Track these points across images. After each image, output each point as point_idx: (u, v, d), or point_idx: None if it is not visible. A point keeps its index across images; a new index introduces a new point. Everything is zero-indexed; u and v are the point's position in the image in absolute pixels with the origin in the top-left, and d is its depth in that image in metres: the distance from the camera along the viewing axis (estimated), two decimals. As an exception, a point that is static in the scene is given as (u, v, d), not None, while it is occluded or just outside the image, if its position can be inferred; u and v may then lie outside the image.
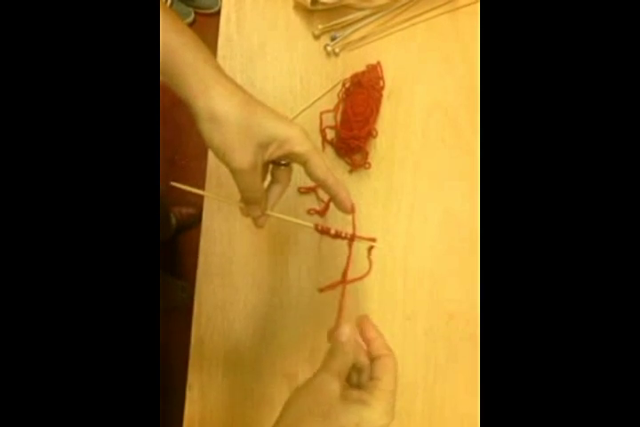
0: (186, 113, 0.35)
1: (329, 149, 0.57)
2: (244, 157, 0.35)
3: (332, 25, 0.60)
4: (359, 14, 0.62)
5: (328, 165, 0.38)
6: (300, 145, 0.36)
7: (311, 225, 0.41)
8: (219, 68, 0.36)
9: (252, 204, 0.39)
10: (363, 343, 0.37)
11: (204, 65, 0.35)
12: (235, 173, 0.36)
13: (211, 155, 0.54)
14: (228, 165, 0.35)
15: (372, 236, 0.56)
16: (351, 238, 0.41)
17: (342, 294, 0.40)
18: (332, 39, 0.60)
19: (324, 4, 0.58)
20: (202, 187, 0.53)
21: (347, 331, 0.37)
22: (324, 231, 0.40)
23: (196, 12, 1.49)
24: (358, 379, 0.37)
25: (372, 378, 0.35)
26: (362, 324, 0.38)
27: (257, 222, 0.40)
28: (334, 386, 0.34)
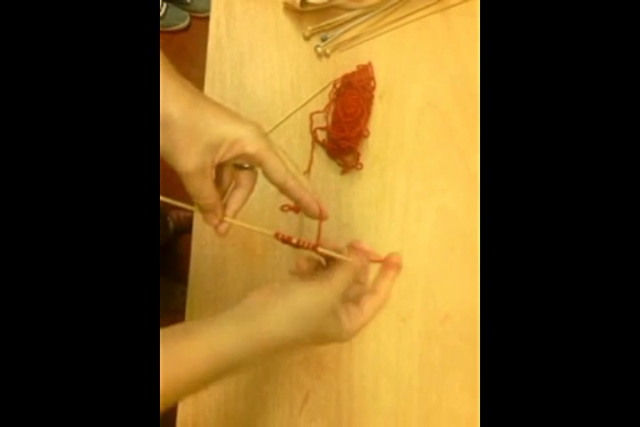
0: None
1: (320, 151, 0.57)
2: (190, 158, 0.33)
3: (323, 26, 0.60)
4: (349, 15, 0.62)
5: (290, 166, 0.36)
6: (251, 145, 0.34)
7: (271, 233, 0.37)
8: (168, 70, 0.34)
9: (207, 211, 0.36)
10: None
11: None
12: (182, 176, 0.34)
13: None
14: (174, 167, 0.34)
15: (366, 237, 0.56)
16: (314, 248, 0.37)
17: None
18: (323, 40, 0.60)
19: (313, 4, 0.58)
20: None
21: (357, 260, 0.37)
22: (285, 241, 0.37)
23: (191, 16, 1.50)
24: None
25: (358, 305, 0.37)
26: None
27: (217, 231, 0.37)
28: (333, 301, 0.35)
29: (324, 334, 0.35)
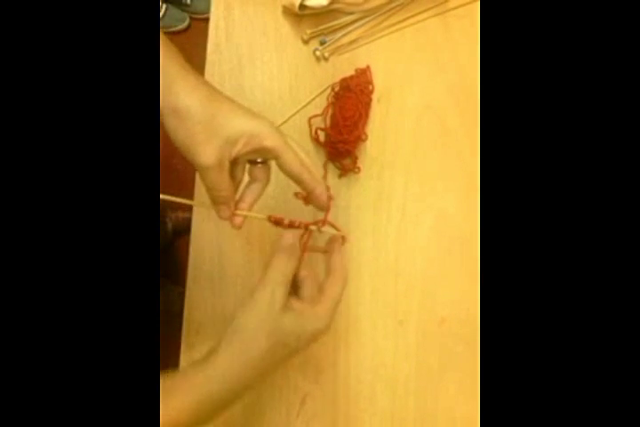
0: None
1: (319, 153, 0.57)
2: (209, 152, 0.34)
3: (321, 29, 0.60)
4: (348, 18, 0.62)
5: (304, 159, 0.37)
6: (269, 139, 0.35)
7: (264, 217, 0.38)
8: (184, 66, 0.35)
9: (220, 203, 0.37)
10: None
11: (170, 62, 0.34)
12: (200, 169, 0.35)
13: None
14: (192, 160, 0.34)
15: (363, 240, 0.56)
16: (305, 227, 0.38)
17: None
18: (322, 43, 0.60)
19: (312, 8, 0.59)
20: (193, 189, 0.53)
21: (289, 236, 0.37)
22: (277, 222, 0.38)
23: (190, 17, 1.50)
24: (299, 290, 0.38)
25: (319, 290, 0.37)
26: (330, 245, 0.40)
27: (233, 223, 0.39)
28: (278, 296, 0.34)
29: (294, 336, 0.34)
